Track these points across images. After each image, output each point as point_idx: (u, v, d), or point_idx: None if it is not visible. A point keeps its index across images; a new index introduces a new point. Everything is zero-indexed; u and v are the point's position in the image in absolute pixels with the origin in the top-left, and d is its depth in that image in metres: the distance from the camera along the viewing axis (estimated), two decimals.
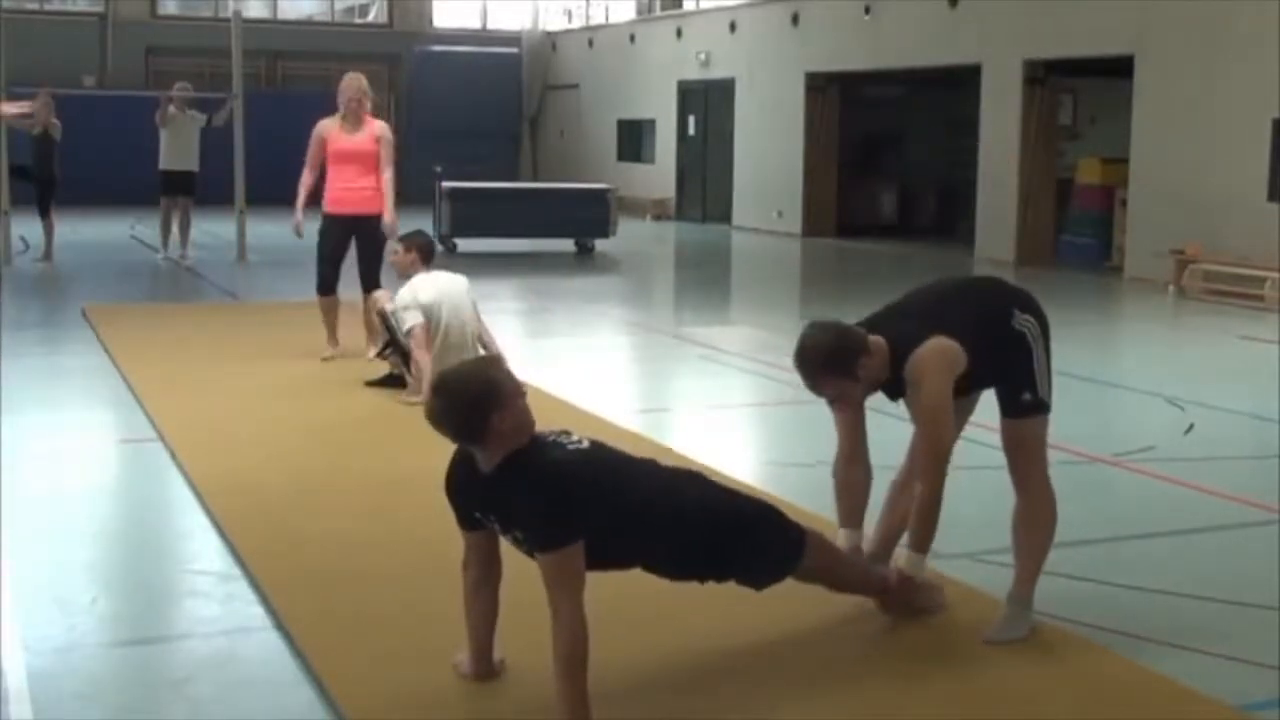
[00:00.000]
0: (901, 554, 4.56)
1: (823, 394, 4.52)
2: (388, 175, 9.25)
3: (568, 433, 3.97)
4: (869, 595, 4.60)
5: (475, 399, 3.70)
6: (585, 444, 3.92)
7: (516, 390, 3.80)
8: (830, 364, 4.43)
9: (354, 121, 9.16)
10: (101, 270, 15.56)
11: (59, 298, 13.30)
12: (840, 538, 4.63)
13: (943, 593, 4.71)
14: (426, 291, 8.04)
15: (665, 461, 4.33)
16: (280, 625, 4.58)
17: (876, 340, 4.45)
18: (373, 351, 8.85)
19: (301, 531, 5.63)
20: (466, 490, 3.88)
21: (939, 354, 4.40)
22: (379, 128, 9.29)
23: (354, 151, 9.15)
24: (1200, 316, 13.51)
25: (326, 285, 9.36)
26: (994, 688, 4.15)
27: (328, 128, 9.20)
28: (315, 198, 9.30)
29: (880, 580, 4.55)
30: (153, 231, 17.38)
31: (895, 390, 4.51)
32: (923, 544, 4.49)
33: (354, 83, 9.16)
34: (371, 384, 8.46)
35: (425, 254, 8.28)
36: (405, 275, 8.25)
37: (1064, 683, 4.19)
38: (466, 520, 3.94)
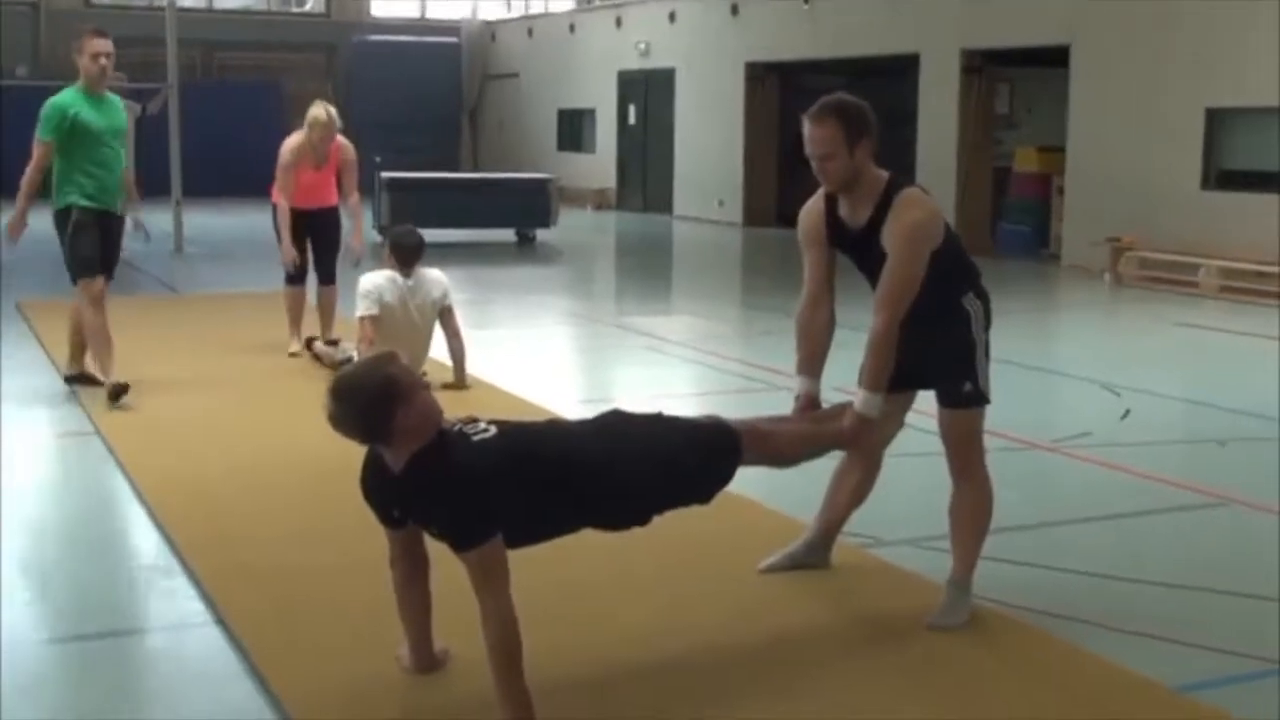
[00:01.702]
0: (856, 395, 4.48)
1: (816, 141, 4.42)
2: (354, 200, 9.35)
3: (474, 420, 3.89)
4: (823, 453, 4.59)
5: (375, 397, 3.63)
6: (491, 432, 3.83)
7: (417, 384, 3.75)
8: (845, 112, 4.42)
9: (323, 153, 9.12)
10: (36, 263, 15.28)
11: None
12: (796, 384, 4.63)
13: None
14: (391, 292, 8.03)
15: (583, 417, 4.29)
16: (220, 620, 4.55)
17: (881, 171, 4.48)
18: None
19: (241, 525, 5.59)
20: (379, 491, 3.83)
21: (930, 202, 4.46)
22: (343, 152, 9.25)
23: (319, 180, 9.20)
24: (1136, 303, 13.67)
25: (295, 276, 9.28)
26: (936, 671, 4.18)
27: (297, 156, 9.05)
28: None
29: (833, 435, 4.53)
30: None
31: (870, 236, 4.43)
32: (876, 381, 4.41)
33: (324, 118, 9.03)
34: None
35: (399, 254, 8.16)
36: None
37: (1004, 666, 4.23)
38: (386, 519, 3.90)
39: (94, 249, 7.74)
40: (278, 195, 9.12)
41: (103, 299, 7.80)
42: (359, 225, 9.34)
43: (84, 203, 7.68)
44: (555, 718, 3.66)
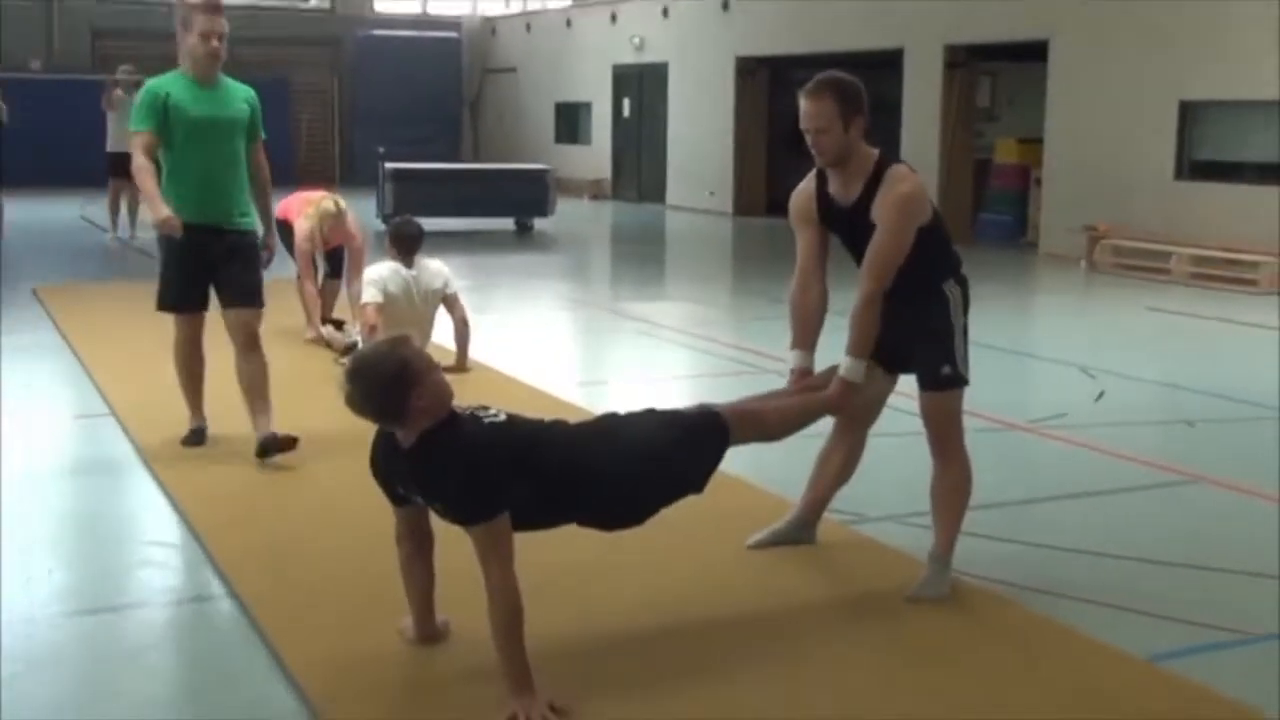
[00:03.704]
0: (841, 361, 4.52)
1: (812, 115, 4.43)
2: (355, 288, 8.62)
3: (485, 407, 3.92)
4: (810, 422, 4.61)
5: (391, 379, 3.65)
6: (501, 417, 3.87)
7: (430, 366, 3.76)
8: (840, 88, 4.43)
9: (333, 238, 9.17)
10: (52, 251, 15.35)
11: (10, 278, 13.08)
12: (790, 358, 4.68)
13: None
14: (394, 282, 8.01)
15: (577, 418, 4.31)
16: (233, 594, 4.57)
17: (872, 149, 4.50)
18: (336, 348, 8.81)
19: (253, 502, 5.61)
20: (388, 467, 3.84)
21: (918, 179, 4.48)
22: (352, 241, 9.17)
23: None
24: (1111, 289, 13.69)
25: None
26: (918, 642, 4.21)
27: (313, 243, 9.06)
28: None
29: (819, 403, 4.55)
30: (102, 213, 17.16)
31: (861, 212, 4.45)
32: (859, 347, 4.45)
33: (333, 210, 9.02)
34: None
35: (399, 244, 8.16)
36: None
37: (982, 636, 4.26)
38: (393, 496, 3.92)
39: (180, 276, 6.13)
40: (287, 214, 9.14)
41: (194, 341, 6.30)
42: (355, 310, 8.70)
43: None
44: (553, 684, 3.68)
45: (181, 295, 6.18)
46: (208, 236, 6.04)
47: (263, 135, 6.35)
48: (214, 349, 6.53)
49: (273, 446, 6.06)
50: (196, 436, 6.42)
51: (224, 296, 6.18)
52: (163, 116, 5.95)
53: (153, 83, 6.18)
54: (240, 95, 6.22)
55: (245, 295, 6.16)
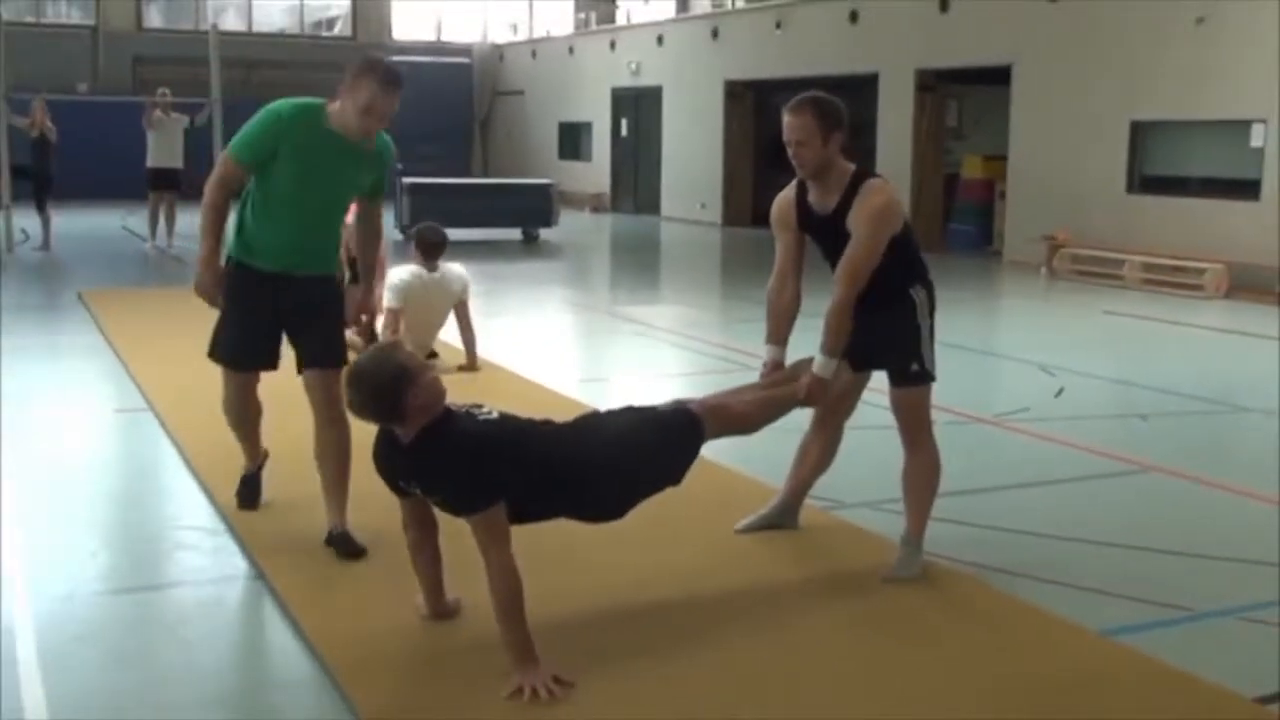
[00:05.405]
0: (815, 360, 4.50)
1: (794, 128, 4.40)
2: (377, 293, 8.46)
3: (479, 405, 3.89)
4: (783, 414, 4.57)
5: (388, 383, 3.63)
6: (494, 414, 3.84)
7: (423, 367, 3.74)
8: (820, 105, 4.41)
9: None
10: (96, 258, 15.31)
11: (57, 283, 13.07)
12: (765, 352, 4.68)
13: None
14: (413, 287, 7.97)
15: (564, 416, 4.28)
16: (261, 575, 4.56)
17: (849, 163, 4.48)
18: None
19: (279, 490, 5.57)
20: (390, 464, 3.81)
21: (893, 191, 4.47)
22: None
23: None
24: (1069, 294, 13.68)
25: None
26: (892, 617, 4.20)
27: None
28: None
29: (790, 395, 4.52)
30: (142, 223, 17.14)
31: (837, 221, 4.43)
32: (832, 347, 4.43)
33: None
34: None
35: (423, 249, 8.13)
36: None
37: (950, 613, 4.25)
38: (395, 489, 3.89)
39: (240, 328, 4.85)
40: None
41: (244, 400, 5.08)
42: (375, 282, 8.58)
43: (241, 256, 4.79)
44: (557, 656, 3.67)
45: (238, 350, 4.90)
46: (281, 282, 4.75)
47: (384, 191, 4.98)
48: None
49: (343, 547, 4.68)
50: (249, 487, 5.22)
51: (300, 354, 4.85)
52: (271, 153, 4.64)
53: (283, 109, 4.71)
54: (376, 154, 4.76)
55: (324, 353, 4.78)
